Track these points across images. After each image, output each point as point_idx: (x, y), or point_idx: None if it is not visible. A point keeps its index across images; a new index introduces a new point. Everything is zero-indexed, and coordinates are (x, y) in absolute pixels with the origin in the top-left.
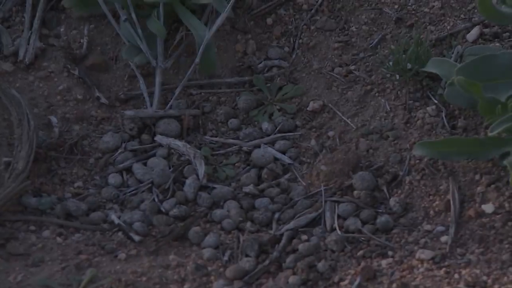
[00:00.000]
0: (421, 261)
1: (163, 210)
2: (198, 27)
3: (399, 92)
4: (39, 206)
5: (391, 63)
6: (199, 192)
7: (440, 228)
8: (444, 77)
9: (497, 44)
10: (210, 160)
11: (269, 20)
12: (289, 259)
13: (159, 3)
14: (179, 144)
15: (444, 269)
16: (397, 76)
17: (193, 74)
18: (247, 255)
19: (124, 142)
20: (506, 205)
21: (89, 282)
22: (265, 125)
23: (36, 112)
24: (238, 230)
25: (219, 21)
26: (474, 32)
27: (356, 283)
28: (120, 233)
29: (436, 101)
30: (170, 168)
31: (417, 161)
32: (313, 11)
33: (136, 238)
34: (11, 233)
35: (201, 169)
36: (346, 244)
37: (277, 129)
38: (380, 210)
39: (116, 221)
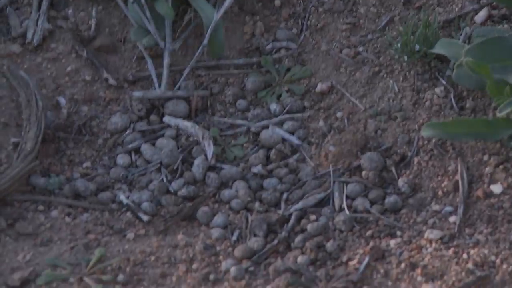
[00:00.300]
0: (430, 241)
1: (172, 190)
2: (206, 9)
3: (407, 74)
4: (47, 186)
5: (399, 44)
6: (207, 172)
7: (448, 208)
8: (453, 59)
9: (506, 25)
10: (219, 141)
11: (277, 2)
12: (298, 239)
13: None
14: (187, 125)
15: (452, 249)
16: (405, 58)
17: (201, 55)
18: (255, 235)
19: (133, 123)
20: None
21: (98, 262)
22: (273, 106)
23: (44, 93)
24: (246, 210)
25: (227, 3)
26: (483, 14)
27: (365, 262)
28: (128, 213)
29: (444, 82)
30: (178, 149)
31: (426, 142)
32: None
33: (145, 218)
34: (20, 213)
35: (210, 149)
36: (354, 224)
37: (285, 110)
38: (388, 191)
39: (125, 201)
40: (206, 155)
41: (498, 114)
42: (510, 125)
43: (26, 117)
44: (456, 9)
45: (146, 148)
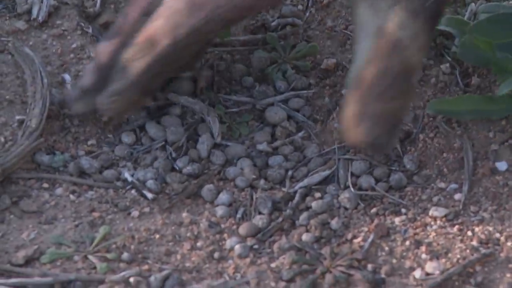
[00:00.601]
0: (434, 218)
1: (177, 168)
2: None
3: None
4: (52, 164)
5: None
6: (212, 149)
7: (453, 185)
8: (458, 35)
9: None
10: (224, 118)
11: None
12: (302, 216)
13: None
14: (192, 102)
15: (457, 226)
16: None
17: None
18: (260, 213)
19: None
20: None
21: (102, 240)
22: (279, 83)
23: (49, 70)
24: (251, 188)
25: None
26: None
27: (369, 240)
28: (133, 191)
29: (449, 59)
30: (183, 126)
31: (431, 119)
32: None
33: (149, 195)
34: (24, 191)
35: (215, 127)
36: (359, 201)
37: (291, 87)
38: (393, 168)
39: (130, 178)
40: (211, 133)
41: (499, 93)
42: None
43: (31, 94)
44: None
45: (151, 126)
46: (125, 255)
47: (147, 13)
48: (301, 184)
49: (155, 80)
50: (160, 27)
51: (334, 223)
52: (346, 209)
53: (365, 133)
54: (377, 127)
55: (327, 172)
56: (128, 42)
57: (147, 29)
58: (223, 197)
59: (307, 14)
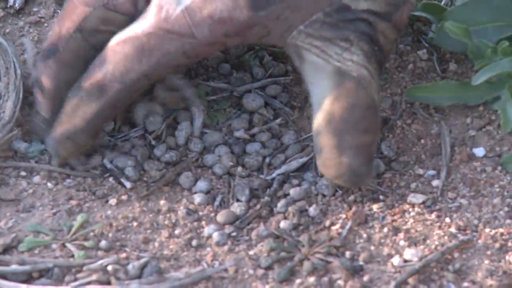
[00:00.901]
0: (412, 205)
1: (155, 156)
2: None
3: None
4: (29, 152)
5: None
6: (190, 137)
7: (431, 172)
8: (435, 21)
9: None
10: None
11: None
12: (280, 203)
13: None
14: (185, 85)
15: (435, 213)
16: None
17: None
18: (238, 200)
19: None
20: (497, 148)
21: (80, 227)
22: (256, 70)
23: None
24: (229, 175)
25: None
26: None
27: (347, 227)
28: (111, 179)
29: (427, 45)
30: (162, 115)
31: (409, 105)
32: None
33: (127, 183)
34: (2, 179)
35: (199, 121)
36: (337, 188)
37: (268, 73)
38: None
39: (108, 166)
40: (191, 122)
41: (473, 83)
42: (493, 89)
43: (4, 85)
44: None
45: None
46: (103, 243)
47: (80, 29)
48: (278, 171)
49: (104, 123)
50: (109, 72)
51: (312, 210)
52: (324, 196)
53: (348, 163)
54: (359, 157)
55: (304, 159)
56: (65, 60)
57: (94, 73)
58: (201, 184)
59: None
